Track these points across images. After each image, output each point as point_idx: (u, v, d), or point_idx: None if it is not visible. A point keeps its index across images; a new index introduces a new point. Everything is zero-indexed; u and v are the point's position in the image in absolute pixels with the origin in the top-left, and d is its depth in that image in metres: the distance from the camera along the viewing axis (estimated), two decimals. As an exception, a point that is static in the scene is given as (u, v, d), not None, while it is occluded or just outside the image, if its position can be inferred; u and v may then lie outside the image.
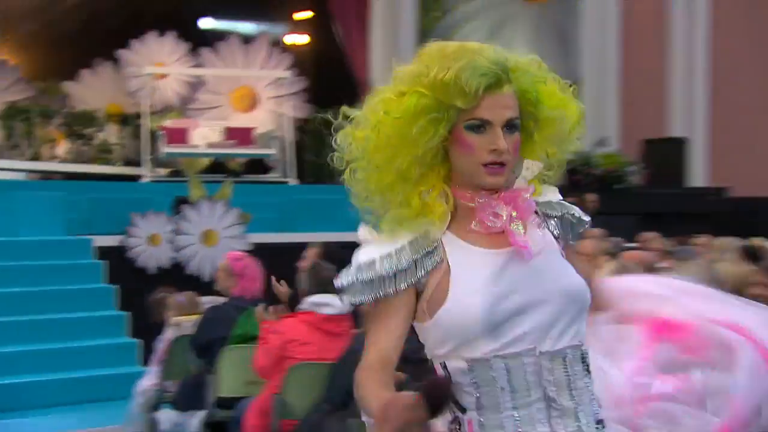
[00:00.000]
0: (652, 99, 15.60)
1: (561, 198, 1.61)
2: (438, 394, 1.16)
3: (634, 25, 15.49)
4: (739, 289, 3.81)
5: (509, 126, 1.39)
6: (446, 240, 1.43)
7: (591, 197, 10.69)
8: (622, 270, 4.54)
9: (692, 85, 15.92)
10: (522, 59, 1.48)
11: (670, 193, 13.62)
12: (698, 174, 14.99)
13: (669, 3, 15.87)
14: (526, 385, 1.39)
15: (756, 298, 3.23)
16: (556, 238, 1.53)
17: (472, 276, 1.37)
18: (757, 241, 6.68)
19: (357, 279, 1.41)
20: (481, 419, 1.41)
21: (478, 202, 1.41)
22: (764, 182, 14.89)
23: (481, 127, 1.39)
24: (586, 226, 1.61)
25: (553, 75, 1.53)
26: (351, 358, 3.97)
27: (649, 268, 5.31)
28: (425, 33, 13.05)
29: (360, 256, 1.45)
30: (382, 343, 1.42)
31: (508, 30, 14.27)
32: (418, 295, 1.41)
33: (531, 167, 1.49)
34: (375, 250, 1.43)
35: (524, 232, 1.42)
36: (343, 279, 1.45)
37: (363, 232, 1.51)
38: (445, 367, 1.43)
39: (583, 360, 1.46)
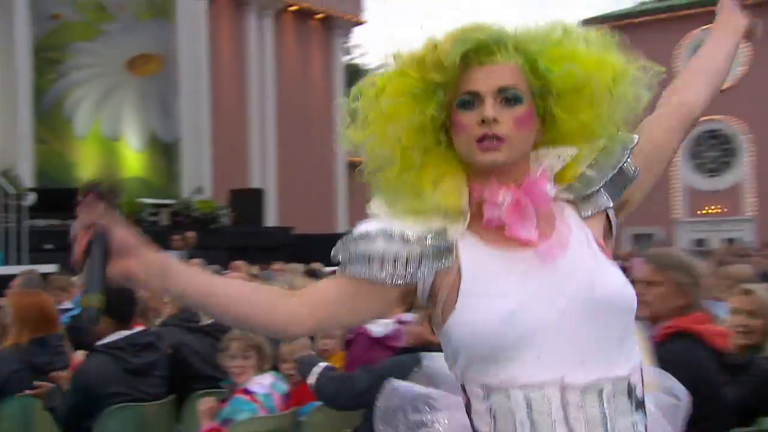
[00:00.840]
0: (237, 157, 17.93)
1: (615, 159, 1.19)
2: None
3: (222, 98, 17.57)
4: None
5: (506, 98, 1.10)
6: (462, 239, 1.11)
7: (191, 234, 11.86)
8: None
9: (266, 148, 18.58)
10: (535, 28, 1.17)
11: (252, 231, 15.00)
12: (271, 216, 17.02)
13: (246, 82, 18.40)
14: (549, 423, 1.05)
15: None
16: (608, 227, 1.22)
17: (485, 281, 1.06)
18: (316, 265, 8.31)
19: (353, 250, 1.12)
20: None
21: (485, 193, 1.09)
22: (318, 222, 18.10)
23: (470, 102, 1.11)
24: (631, 167, 1.20)
25: (584, 35, 1.18)
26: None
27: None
28: (40, 92, 13.54)
29: (362, 227, 1.14)
30: (322, 300, 1.16)
31: (117, 96, 15.01)
32: (414, 291, 1.13)
33: (562, 154, 1.18)
34: (381, 226, 1.13)
35: (550, 227, 1.11)
36: (339, 245, 1.15)
37: (374, 205, 1.20)
38: (464, 389, 1.13)
39: (630, 393, 1.10)
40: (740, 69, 19.72)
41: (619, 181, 1.20)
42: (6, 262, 10.41)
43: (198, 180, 15.48)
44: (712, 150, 21.45)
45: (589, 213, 1.19)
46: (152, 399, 4.03)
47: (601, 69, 1.13)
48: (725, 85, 1.52)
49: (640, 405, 1.13)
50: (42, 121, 13.46)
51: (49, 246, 11.11)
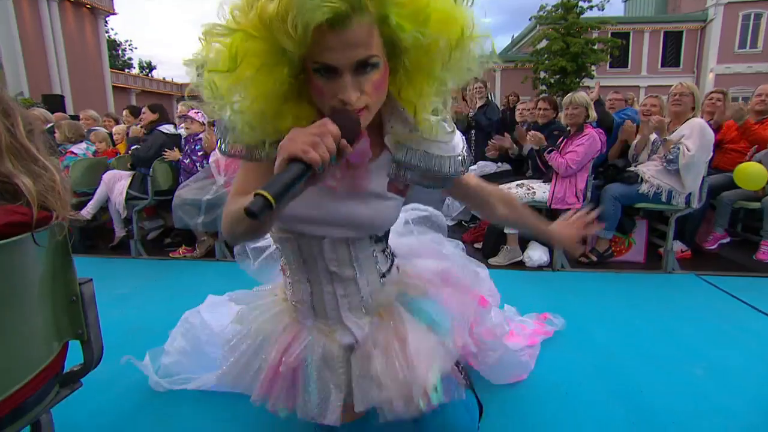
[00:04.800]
0: (44, 78, 18.30)
1: (445, 152, 0.94)
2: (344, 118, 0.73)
3: (29, 45, 17.30)
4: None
5: (363, 66, 0.75)
6: None
7: None
8: None
9: (62, 77, 19.18)
10: None
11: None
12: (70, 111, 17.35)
13: (43, 39, 18.50)
14: (313, 258, 1.03)
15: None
16: (402, 182, 0.98)
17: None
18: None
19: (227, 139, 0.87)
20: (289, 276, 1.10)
21: None
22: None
23: (328, 71, 0.75)
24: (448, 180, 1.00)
25: None
26: None
27: None
28: None
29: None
30: (248, 187, 0.86)
31: None
32: None
33: (400, 115, 0.88)
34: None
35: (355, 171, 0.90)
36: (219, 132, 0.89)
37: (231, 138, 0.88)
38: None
39: (370, 237, 1.03)
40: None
41: (430, 182, 0.99)
42: None
43: (18, 87, 16.39)
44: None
45: (394, 175, 0.95)
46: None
47: (449, 29, 0.75)
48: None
49: (376, 240, 1.05)
50: None
51: None
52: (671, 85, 3.53)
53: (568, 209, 3.40)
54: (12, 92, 15.59)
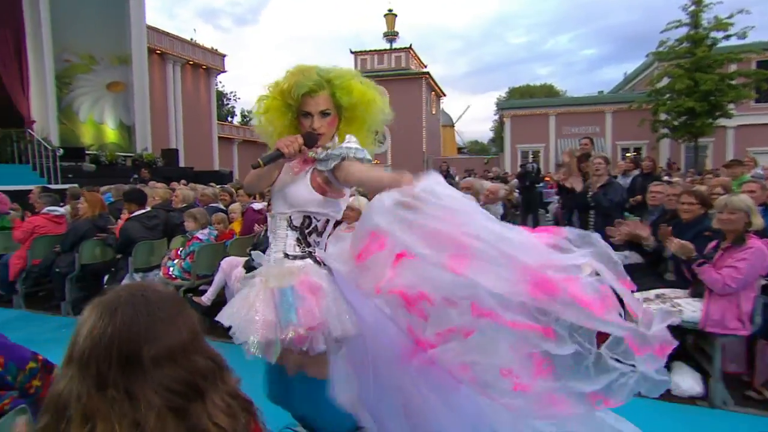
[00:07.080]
0: (163, 133, 19.08)
1: (342, 148, 1.57)
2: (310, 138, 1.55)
3: (156, 104, 18.24)
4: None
5: (323, 114, 1.55)
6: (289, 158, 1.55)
7: (145, 170, 12.03)
8: None
9: (177, 128, 20.04)
10: (340, 71, 1.57)
11: (173, 168, 15.25)
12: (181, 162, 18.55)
13: (167, 99, 19.54)
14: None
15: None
16: (319, 169, 1.61)
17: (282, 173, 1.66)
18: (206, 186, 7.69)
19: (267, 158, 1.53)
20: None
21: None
22: (203, 163, 19.24)
23: (307, 115, 1.56)
24: (336, 161, 1.56)
25: (361, 79, 1.59)
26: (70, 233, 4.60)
27: None
28: (60, 98, 14.74)
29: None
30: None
31: (101, 102, 15.83)
32: None
33: (337, 144, 1.60)
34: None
35: (300, 165, 1.62)
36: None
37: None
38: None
39: (288, 221, 1.63)
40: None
41: (332, 167, 1.56)
42: (49, 182, 10.98)
43: (144, 143, 17.12)
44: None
45: (317, 168, 1.61)
46: (157, 239, 4.67)
47: (364, 96, 1.55)
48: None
49: (292, 227, 1.63)
50: (62, 112, 15.13)
51: (70, 175, 11.95)
52: None
53: (729, 335, 2.70)
54: (139, 148, 16.86)
